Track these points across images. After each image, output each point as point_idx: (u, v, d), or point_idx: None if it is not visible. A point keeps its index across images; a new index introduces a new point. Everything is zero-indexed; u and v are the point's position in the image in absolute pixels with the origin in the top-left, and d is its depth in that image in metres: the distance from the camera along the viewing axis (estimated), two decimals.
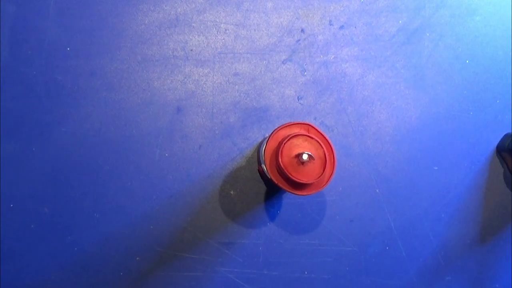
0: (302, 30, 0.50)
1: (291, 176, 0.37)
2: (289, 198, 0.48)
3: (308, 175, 0.37)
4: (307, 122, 0.39)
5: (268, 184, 0.48)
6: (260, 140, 0.48)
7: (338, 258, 0.48)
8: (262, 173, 0.47)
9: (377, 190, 0.49)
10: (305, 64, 0.50)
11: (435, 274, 0.49)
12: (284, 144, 0.37)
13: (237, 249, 0.47)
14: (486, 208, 0.50)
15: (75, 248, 0.45)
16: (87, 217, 0.46)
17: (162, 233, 0.46)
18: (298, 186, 0.38)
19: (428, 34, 0.52)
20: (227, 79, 0.49)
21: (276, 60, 0.50)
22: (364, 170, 0.49)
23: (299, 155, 0.37)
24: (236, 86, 0.49)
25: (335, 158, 0.38)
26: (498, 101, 0.52)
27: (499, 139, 0.51)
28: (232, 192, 0.48)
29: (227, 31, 0.49)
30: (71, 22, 0.48)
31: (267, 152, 0.38)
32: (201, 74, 0.49)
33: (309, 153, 0.37)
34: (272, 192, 0.48)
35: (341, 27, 0.51)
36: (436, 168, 0.50)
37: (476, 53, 0.52)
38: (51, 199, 0.45)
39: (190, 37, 0.49)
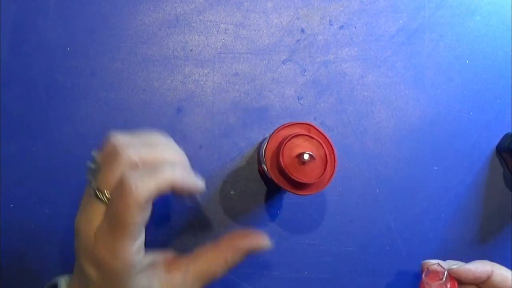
0: (302, 30, 0.50)
1: (292, 176, 0.37)
2: (289, 198, 0.48)
3: (309, 175, 0.37)
4: (307, 122, 0.39)
5: (268, 184, 0.48)
6: (260, 140, 0.48)
7: (338, 258, 0.48)
8: (262, 173, 0.47)
9: (377, 190, 0.49)
10: (305, 64, 0.50)
11: None
12: (285, 144, 0.37)
13: None
14: (486, 208, 0.50)
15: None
16: None
17: (162, 233, 0.46)
18: (299, 186, 0.38)
19: (428, 34, 0.52)
20: (227, 79, 0.49)
21: (276, 60, 0.50)
22: (364, 170, 0.49)
23: (300, 155, 0.37)
24: (236, 86, 0.49)
25: (336, 158, 0.38)
26: (498, 101, 0.52)
27: (499, 139, 0.51)
28: (232, 192, 0.48)
29: (227, 31, 0.49)
30: (71, 22, 0.48)
31: (267, 152, 0.38)
32: (201, 74, 0.49)
33: (310, 153, 0.37)
34: (272, 192, 0.48)
35: (341, 27, 0.51)
36: (436, 168, 0.50)
37: (476, 53, 0.52)
38: (51, 199, 0.45)
39: (190, 37, 0.49)
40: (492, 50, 0.53)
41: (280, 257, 0.47)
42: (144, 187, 0.31)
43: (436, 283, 0.41)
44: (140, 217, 0.31)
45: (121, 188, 0.31)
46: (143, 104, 0.47)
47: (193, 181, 0.35)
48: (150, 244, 0.46)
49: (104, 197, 0.33)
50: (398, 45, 0.51)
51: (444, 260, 0.44)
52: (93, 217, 0.33)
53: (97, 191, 0.33)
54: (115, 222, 0.31)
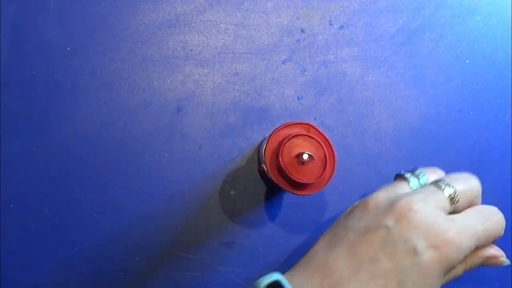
0: (302, 30, 0.50)
1: (291, 176, 0.37)
2: (289, 198, 0.48)
3: (309, 175, 0.37)
4: (307, 122, 0.39)
5: (268, 184, 0.48)
6: (260, 140, 0.48)
7: None
8: (262, 173, 0.47)
9: None
10: (305, 64, 0.50)
11: None
12: (285, 144, 0.37)
13: (237, 249, 0.47)
14: None
15: (75, 248, 0.45)
16: (87, 217, 0.46)
17: (162, 233, 0.46)
18: (299, 186, 0.38)
19: (428, 34, 0.52)
20: (227, 79, 0.49)
21: (276, 60, 0.50)
22: (364, 170, 0.49)
23: (299, 155, 0.37)
24: (236, 86, 0.49)
25: (335, 158, 0.38)
26: (498, 101, 0.52)
27: (499, 139, 0.51)
28: (232, 192, 0.48)
29: (227, 31, 0.49)
30: (71, 22, 0.48)
31: (267, 152, 0.38)
32: (201, 74, 0.49)
33: (310, 153, 0.37)
34: (272, 192, 0.48)
35: (341, 27, 0.51)
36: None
37: (476, 53, 0.52)
38: (51, 199, 0.45)
39: (190, 37, 0.49)
40: (492, 50, 0.53)
41: (280, 257, 0.47)
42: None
43: None
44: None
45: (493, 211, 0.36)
46: (143, 104, 0.47)
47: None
48: (149, 244, 0.46)
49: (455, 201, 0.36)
50: (398, 45, 0.51)
51: None
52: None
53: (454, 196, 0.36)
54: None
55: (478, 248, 0.35)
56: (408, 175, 0.39)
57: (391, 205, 0.35)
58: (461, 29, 0.53)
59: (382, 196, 0.37)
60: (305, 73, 0.50)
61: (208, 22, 0.49)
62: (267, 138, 0.39)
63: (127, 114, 0.47)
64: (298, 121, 0.41)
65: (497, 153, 0.51)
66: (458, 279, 0.37)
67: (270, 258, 0.47)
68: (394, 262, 0.32)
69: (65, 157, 0.46)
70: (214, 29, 0.49)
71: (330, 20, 0.51)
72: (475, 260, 0.36)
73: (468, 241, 0.33)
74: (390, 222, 0.34)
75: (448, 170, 0.50)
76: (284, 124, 0.39)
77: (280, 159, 0.37)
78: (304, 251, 0.47)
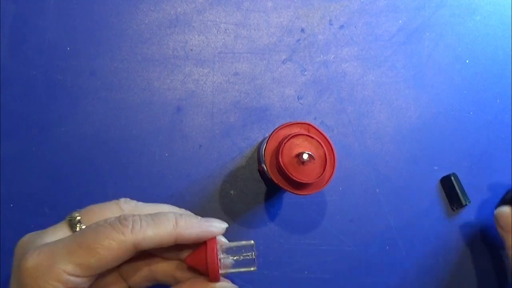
0: (302, 30, 0.50)
1: (291, 176, 0.37)
2: (289, 198, 0.48)
3: (308, 175, 0.37)
4: (307, 121, 0.39)
5: (268, 184, 0.48)
6: (260, 139, 0.48)
7: (338, 258, 0.48)
8: (262, 172, 0.47)
9: (377, 190, 0.49)
10: (305, 64, 0.50)
11: (435, 274, 0.49)
12: (285, 143, 0.37)
13: None
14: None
15: None
16: None
17: None
18: (298, 185, 0.38)
19: (428, 34, 0.52)
20: (227, 79, 0.49)
21: (276, 60, 0.50)
22: (364, 170, 0.49)
23: (299, 155, 0.37)
24: (236, 86, 0.49)
25: (335, 158, 0.38)
26: (498, 101, 0.52)
27: (498, 139, 0.51)
28: (232, 192, 0.48)
29: (227, 31, 0.49)
30: (71, 22, 0.48)
31: (267, 152, 0.38)
32: (201, 74, 0.49)
33: (310, 153, 0.37)
34: (272, 192, 0.48)
35: (341, 27, 0.51)
36: (436, 168, 0.50)
37: (476, 53, 0.52)
38: (51, 199, 0.45)
39: (190, 37, 0.49)
40: (492, 50, 0.53)
41: (280, 257, 0.47)
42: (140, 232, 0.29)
43: None
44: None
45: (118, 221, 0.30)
46: (143, 104, 0.47)
47: (204, 225, 0.32)
48: None
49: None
50: (398, 45, 0.51)
51: None
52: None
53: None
54: (86, 243, 0.29)
55: None
56: None
57: None
58: (461, 29, 0.53)
59: None
60: (305, 73, 0.50)
61: (208, 22, 0.49)
62: (267, 138, 0.39)
63: (127, 114, 0.47)
64: (298, 121, 0.41)
65: (497, 153, 0.51)
66: None
67: (270, 258, 0.47)
68: None
69: (65, 157, 0.46)
70: (214, 29, 0.49)
71: (330, 20, 0.51)
72: None
73: None
74: None
75: (448, 170, 0.50)
76: (284, 124, 0.39)
77: (280, 159, 0.37)
78: (304, 251, 0.48)
